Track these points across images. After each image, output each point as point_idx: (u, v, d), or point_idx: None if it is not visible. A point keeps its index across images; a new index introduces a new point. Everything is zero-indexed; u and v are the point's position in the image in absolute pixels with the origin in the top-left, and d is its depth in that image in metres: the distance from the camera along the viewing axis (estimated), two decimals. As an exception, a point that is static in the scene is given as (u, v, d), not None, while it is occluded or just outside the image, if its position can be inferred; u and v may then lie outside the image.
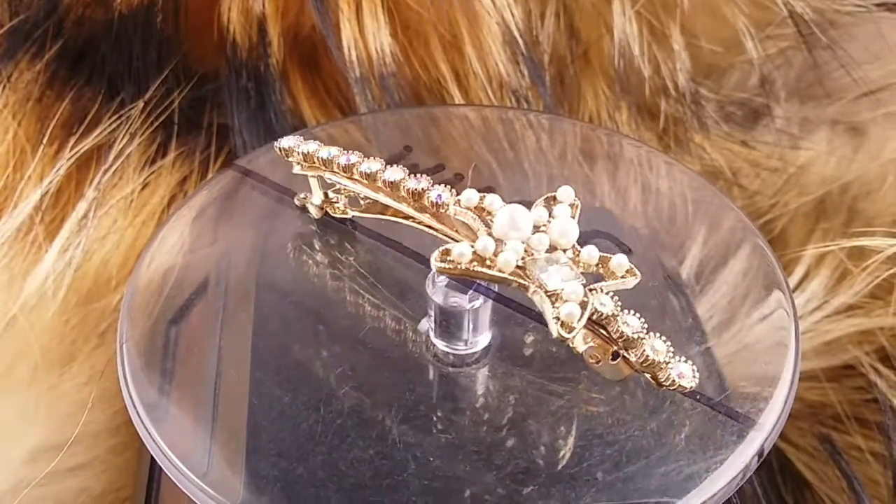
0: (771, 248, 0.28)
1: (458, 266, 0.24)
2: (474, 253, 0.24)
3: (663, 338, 0.23)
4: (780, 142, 0.39)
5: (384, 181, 0.26)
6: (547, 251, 0.24)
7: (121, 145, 0.34)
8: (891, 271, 0.32)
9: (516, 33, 0.36)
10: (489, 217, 0.24)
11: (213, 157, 0.36)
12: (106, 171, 0.34)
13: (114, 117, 0.35)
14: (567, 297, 0.23)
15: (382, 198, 0.26)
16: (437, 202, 0.25)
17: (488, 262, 0.24)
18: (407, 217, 0.26)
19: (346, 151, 0.27)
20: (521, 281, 0.24)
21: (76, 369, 0.30)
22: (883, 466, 0.32)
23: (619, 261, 0.24)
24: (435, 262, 0.23)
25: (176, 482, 0.23)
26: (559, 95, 0.38)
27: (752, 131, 0.39)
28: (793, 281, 0.34)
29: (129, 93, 0.36)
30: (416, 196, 0.25)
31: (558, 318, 0.23)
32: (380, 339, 0.26)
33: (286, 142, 0.28)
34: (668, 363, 0.23)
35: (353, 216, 0.29)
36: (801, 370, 0.33)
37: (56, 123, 0.35)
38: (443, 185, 0.26)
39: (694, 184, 0.31)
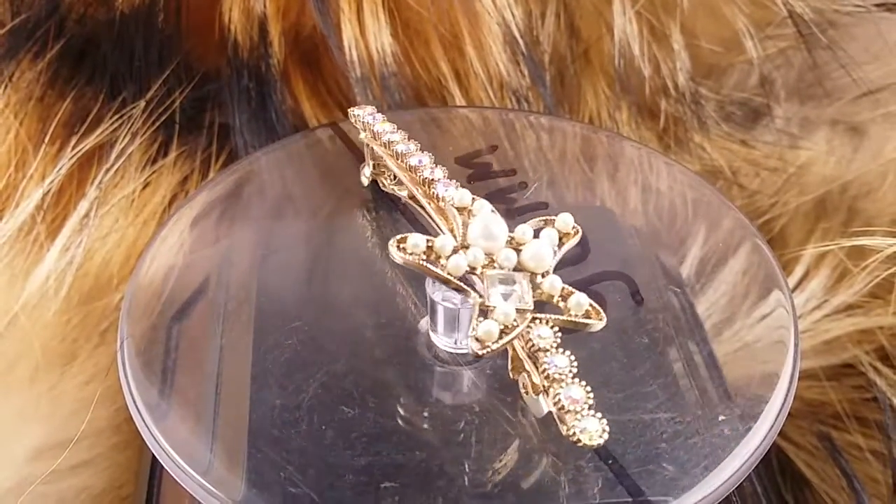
0: (770, 247, 0.29)
1: (411, 256, 0.23)
2: (429, 248, 0.24)
3: (588, 388, 0.22)
4: (779, 141, 0.39)
5: (408, 164, 0.27)
6: (515, 269, 0.24)
7: (122, 144, 0.34)
8: (890, 270, 0.32)
9: (517, 33, 0.36)
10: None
11: (215, 157, 0.36)
12: (107, 170, 0.34)
13: (115, 117, 0.35)
14: (495, 317, 0.22)
15: (406, 180, 0.27)
16: (437, 195, 0.25)
17: (442, 262, 0.23)
18: (419, 204, 0.27)
19: (406, 138, 0.28)
20: (464, 287, 0.23)
21: (77, 368, 0.30)
22: (882, 465, 0.32)
23: (579, 300, 0.23)
24: (391, 247, 0.24)
25: (177, 480, 0.23)
26: (559, 95, 0.38)
27: (752, 131, 0.39)
28: (792, 280, 0.34)
29: (130, 92, 0.36)
30: (427, 184, 0.26)
31: (475, 332, 0.22)
32: (381, 338, 0.26)
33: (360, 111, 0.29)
34: (577, 413, 0.21)
35: (389, 190, 0.29)
36: (801, 369, 0.33)
37: (58, 123, 0.35)
38: (455, 182, 0.26)
39: (693, 184, 0.31)
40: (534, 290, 0.23)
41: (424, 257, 0.24)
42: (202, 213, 0.29)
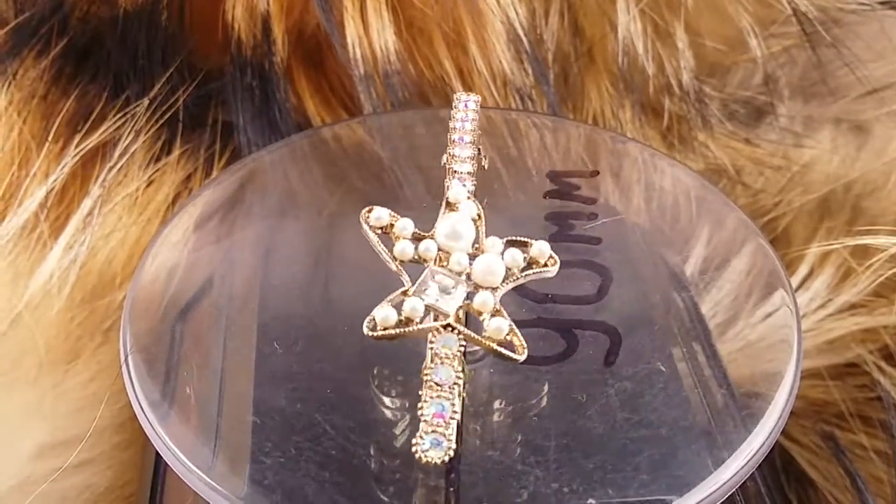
0: (773, 246, 0.29)
1: (371, 228, 0.24)
2: (391, 225, 0.24)
3: (454, 408, 0.21)
4: (783, 140, 0.39)
5: (451, 152, 0.27)
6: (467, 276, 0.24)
7: (126, 143, 0.34)
8: (894, 269, 0.32)
9: (520, 31, 0.36)
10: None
11: (218, 155, 0.36)
12: (111, 168, 0.34)
13: (119, 115, 0.35)
14: (403, 306, 0.23)
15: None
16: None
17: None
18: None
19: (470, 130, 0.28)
20: (402, 271, 0.24)
21: (81, 366, 0.30)
22: (886, 464, 0.32)
23: (500, 325, 0.23)
24: (361, 216, 0.24)
25: (181, 477, 0.23)
26: (563, 93, 0.38)
27: (756, 129, 0.39)
28: (796, 279, 0.34)
29: (134, 90, 0.36)
30: (448, 174, 0.26)
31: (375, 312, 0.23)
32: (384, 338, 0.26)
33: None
34: (429, 428, 0.21)
35: None
36: (805, 368, 0.33)
37: (61, 121, 0.35)
38: (469, 179, 0.26)
39: (696, 183, 0.31)
40: (469, 300, 0.23)
41: (381, 231, 0.24)
42: (205, 212, 0.30)
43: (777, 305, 0.27)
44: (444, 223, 0.24)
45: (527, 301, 0.26)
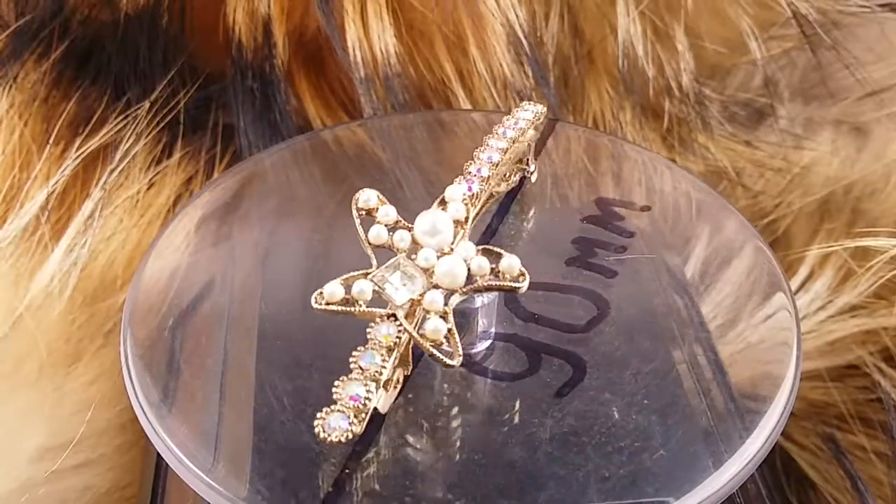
0: (773, 248, 0.29)
1: (356, 210, 0.25)
2: (374, 209, 0.25)
3: (367, 393, 0.21)
4: (783, 142, 0.39)
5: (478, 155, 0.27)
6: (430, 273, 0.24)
7: (127, 145, 0.34)
8: (894, 271, 0.32)
9: (520, 34, 0.36)
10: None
11: (219, 158, 0.36)
12: (112, 171, 0.34)
13: (120, 117, 0.35)
14: (352, 286, 0.23)
15: None
16: None
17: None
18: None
19: (509, 137, 0.28)
20: (369, 253, 0.24)
21: (82, 368, 0.31)
22: (887, 466, 0.32)
23: (436, 325, 0.23)
24: (353, 200, 0.25)
25: (182, 478, 0.23)
26: (563, 96, 0.38)
27: (756, 131, 0.39)
28: (797, 281, 0.34)
29: (134, 93, 0.36)
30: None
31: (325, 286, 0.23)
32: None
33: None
34: (337, 406, 0.21)
35: None
36: (805, 370, 0.33)
37: (62, 123, 0.35)
38: (475, 180, 0.26)
39: (696, 185, 0.31)
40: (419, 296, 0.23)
41: (366, 213, 0.25)
42: (206, 214, 0.30)
43: (777, 308, 0.27)
44: (425, 218, 0.24)
45: (514, 317, 0.26)
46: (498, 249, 0.24)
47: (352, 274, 0.23)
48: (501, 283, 0.23)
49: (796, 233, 0.37)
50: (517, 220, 0.30)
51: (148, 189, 0.35)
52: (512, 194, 0.30)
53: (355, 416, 0.21)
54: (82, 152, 0.34)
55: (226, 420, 0.24)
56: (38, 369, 0.30)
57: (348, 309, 0.23)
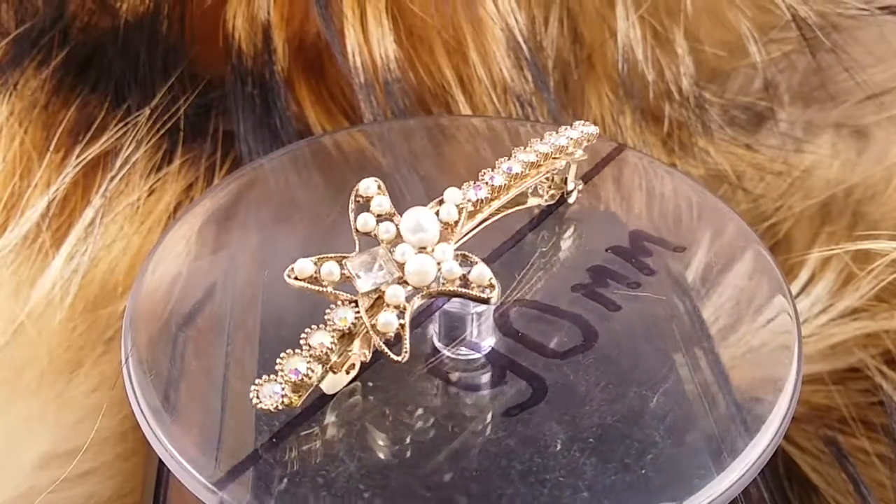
0: (774, 252, 0.29)
1: (354, 198, 0.25)
2: (368, 199, 0.25)
3: (308, 369, 0.22)
4: (784, 145, 0.39)
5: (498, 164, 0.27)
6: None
7: (127, 152, 0.34)
8: (896, 274, 0.32)
9: (520, 39, 0.36)
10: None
11: (219, 164, 0.36)
12: (112, 178, 0.34)
13: (120, 124, 0.35)
14: (322, 267, 0.24)
15: None
16: None
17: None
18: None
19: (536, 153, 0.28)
20: (355, 239, 0.25)
21: (83, 376, 0.31)
22: (889, 469, 0.32)
23: (387, 320, 0.23)
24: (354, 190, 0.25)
25: (184, 484, 0.23)
26: (563, 100, 0.38)
27: (756, 135, 0.39)
28: (798, 284, 0.34)
29: (135, 100, 0.36)
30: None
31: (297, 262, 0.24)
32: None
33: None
34: (276, 377, 0.22)
35: None
36: (807, 373, 0.33)
37: (62, 131, 0.35)
38: (482, 188, 0.26)
39: (696, 189, 0.31)
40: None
41: (362, 201, 0.25)
42: (206, 219, 0.30)
43: (777, 311, 0.27)
44: (412, 215, 0.24)
45: (498, 332, 0.26)
46: (475, 258, 0.24)
47: (327, 255, 0.24)
48: (468, 291, 0.24)
49: (797, 236, 0.37)
50: (543, 239, 0.29)
51: (148, 196, 0.35)
52: (548, 211, 0.30)
53: (293, 391, 0.22)
54: (83, 159, 0.34)
55: (227, 426, 0.24)
56: (39, 377, 0.30)
57: (313, 287, 0.23)
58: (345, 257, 0.24)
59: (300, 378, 0.22)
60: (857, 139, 0.39)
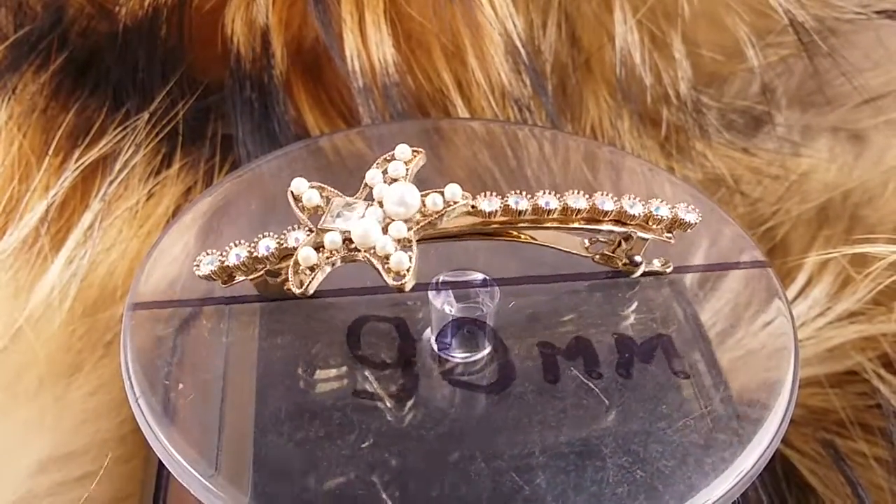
0: (772, 255, 0.29)
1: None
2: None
3: (246, 261, 0.25)
4: (781, 149, 0.39)
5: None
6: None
7: (126, 156, 0.34)
8: (893, 278, 0.32)
9: (518, 43, 0.36)
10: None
11: (218, 168, 0.37)
12: (111, 182, 0.34)
13: (119, 128, 0.35)
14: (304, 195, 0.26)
15: None
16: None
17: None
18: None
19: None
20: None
21: (82, 379, 0.31)
22: (887, 472, 0.32)
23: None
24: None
25: (183, 485, 0.23)
26: (561, 104, 0.38)
27: (754, 139, 0.39)
28: (795, 288, 0.34)
29: (133, 104, 0.36)
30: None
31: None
32: (384, 350, 0.26)
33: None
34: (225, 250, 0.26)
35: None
36: (805, 376, 0.33)
37: (61, 135, 0.35)
38: (493, 198, 0.26)
39: (693, 194, 0.31)
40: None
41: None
42: (203, 220, 0.30)
43: (775, 315, 0.27)
44: (396, 189, 0.25)
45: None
46: (413, 250, 0.25)
47: (324, 187, 0.26)
48: (378, 267, 0.25)
49: (795, 240, 0.37)
50: (569, 293, 0.28)
51: (147, 200, 0.35)
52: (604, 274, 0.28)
53: (222, 271, 0.26)
54: (81, 163, 0.34)
55: (227, 427, 0.24)
56: (38, 381, 0.30)
57: (294, 206, 0.26)
58: (338, 195, 0.26)
59: (234, 263, 0.26)
60: (855, 143, 0.39)
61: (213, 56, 0.37)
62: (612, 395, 0.25)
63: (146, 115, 0.36)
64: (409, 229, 0.25)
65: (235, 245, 0.26)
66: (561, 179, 0.32)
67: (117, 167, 0.34)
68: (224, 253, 0.26)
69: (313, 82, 0.38)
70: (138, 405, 0.24)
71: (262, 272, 0.26)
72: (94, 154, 0.34)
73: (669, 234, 0.27)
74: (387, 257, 0.24)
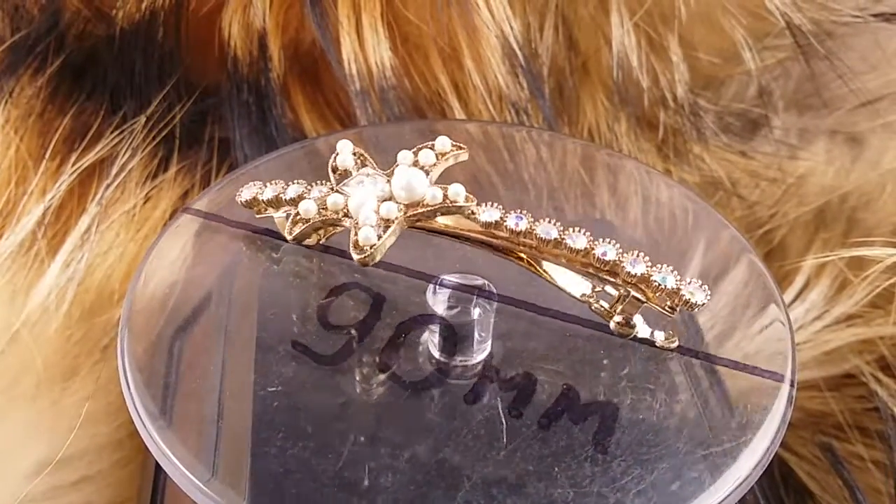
0: (769, 259, 0.29)
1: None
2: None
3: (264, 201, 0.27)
4: (778, 152, 0.39)
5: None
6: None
7: (123, 160, 0.34)
8: (890, 281, 0.32)
9: (515, 46, 0.36)
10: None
11: (215, 171, 0.37)
12: (108, 185, 0.34)
13: (116, 132, 0.35)
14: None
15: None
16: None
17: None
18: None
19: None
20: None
21: (79, 384, 0.30)
22: (884, 475, 0.32)
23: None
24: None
25: (181, 488, 0.23)
26: (558, 107, 0.38)
27: (751, 142, 0.39)
28: (793, 291, 0.34)
29: (130, 107, 0.36)
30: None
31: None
32: (382, 353, 0.26)
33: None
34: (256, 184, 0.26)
35: None
36: (802, 379, 0.33)
37: (58, 138, 0.35)
38: (497, 210, 0.26)
39: (690, 197, 0.31)
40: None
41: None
42: (201, 224, 0.29)
43: (771, 319, 0.27)
44: (402, 173, 0.26)
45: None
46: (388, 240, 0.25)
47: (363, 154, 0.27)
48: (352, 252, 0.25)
49: (792, 243, 0.37)
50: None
51: (144, 203, 0.35)
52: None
53: (263, 192, 0.27)
54: (78, 167, 0.34)
55: (224, 432, 0.24)
56: (35, 385, 0.30)
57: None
58: (372, 166, 0.27)
59: (267, 198, 0.27)
60: (852, 146, 0.39)
61: (210, 59, 0.37)
62: (607, 398, 0.25)
63: (143, 119, 0.36)
64: (400, 211, 0.25)
65: (272, 184, 0.28)
66: (558, 182, 0.32)
67: (114, 171, 0.34)
68: (262, 188, 0.28)
69: (310, 86, 0.38)
70: (135, 409, 0.24)
71: (288, 215, 0.27)
72: (90, 158, 0.34)
73: (672, 309, 0.25)
74: (359, 230, 0.25)
